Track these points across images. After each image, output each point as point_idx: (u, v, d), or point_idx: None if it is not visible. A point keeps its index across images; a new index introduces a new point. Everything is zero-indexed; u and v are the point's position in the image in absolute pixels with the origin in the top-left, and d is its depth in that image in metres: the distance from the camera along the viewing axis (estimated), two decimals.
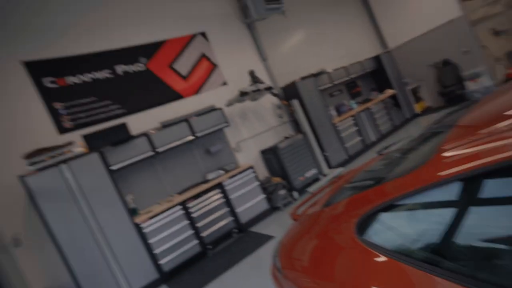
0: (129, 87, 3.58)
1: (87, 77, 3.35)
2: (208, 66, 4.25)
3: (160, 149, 3.31)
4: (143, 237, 2.93)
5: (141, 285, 2.89)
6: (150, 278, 2.95)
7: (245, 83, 4.02)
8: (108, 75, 3.47)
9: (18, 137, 2.94)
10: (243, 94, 3.82)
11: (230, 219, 3.52)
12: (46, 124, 3.09)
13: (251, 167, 3.79)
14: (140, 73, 3.69)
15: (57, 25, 3.27)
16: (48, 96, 3.13)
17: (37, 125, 3.05)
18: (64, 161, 2.78)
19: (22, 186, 2.61)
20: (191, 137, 3.57)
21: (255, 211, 3.72)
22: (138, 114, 3.59)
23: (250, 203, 3.69)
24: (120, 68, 3.55)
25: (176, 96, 3.91)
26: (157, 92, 3.76)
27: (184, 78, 4.02)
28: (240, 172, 3.68)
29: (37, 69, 3.11)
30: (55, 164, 2.74)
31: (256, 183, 3.79)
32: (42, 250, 2.88)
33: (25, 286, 2.69)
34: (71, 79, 3.27)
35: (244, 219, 3.60)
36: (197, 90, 4.09)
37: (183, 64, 4.04)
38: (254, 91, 3.88)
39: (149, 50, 3.81)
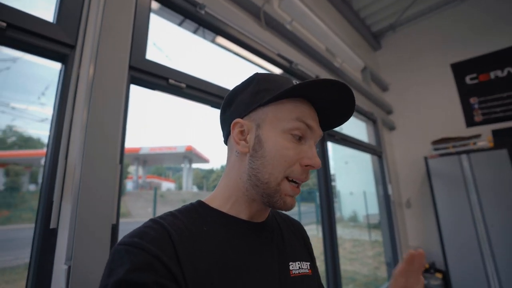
0: None
1: None
2: None
3: None
4: None
5: None
6: None
7: None
8: None
9: (431, 125, 3.56)
10: None
11: None
12: (457, 116, 3.39)
13: None
14: None
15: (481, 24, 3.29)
16: (465, 92, 3.37)
17: (449, 117, 3.45)
18: (465, 152, 2.92)
19: (424, 164, 3.22)
20: None
21: None
22: None
23: None
24: None
25: None
26: None
27: None
28: None
29: (461, 68, 3.44)
30: (456, 153, 2.99)
31: None
32: (423, 217, 3.43)
33: (406, 238, 3.42)
34: (495, 73, 3.19)
35: None
36: None
37: None
38: None
39: None
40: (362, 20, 3.72)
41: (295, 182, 0.44)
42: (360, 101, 2.87)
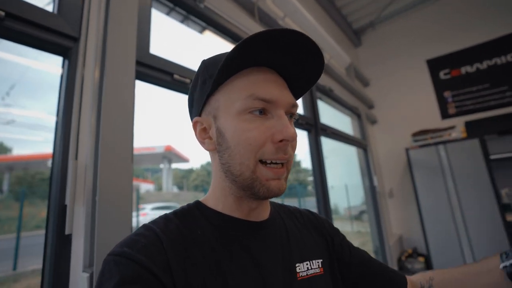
0: None
1: (484, 64, 3.30)
2: None
3: None
4: None
5: None
6: None
7: None
8: (511, 59, 3.12)
9: (411, 118, 3.76)
10: None
11: None
12: (433, 109, 3.60)
13: None
14: None
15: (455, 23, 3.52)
16: (440, 86, 3.58)
17: (426, 110, 3.66)
18: (442, 143, 3.11)
19: (405, 156, 3.39)
20: None
21: None
22: None
23: None
24: None
25: None
26: None
27: None
28: None
29: (436, 64, 3.66)
30: (434, 144, 3.18)
31: None
32: (406, 205, 3.63)
33: (390, 226, 3.60)
34: (466, 69, 3.42)
35: None
36: None
37: None
38: None
39: None
40: (344, 17, 3.82)
41: (275, 163, 0.39)
42: (345, 96, 2.95)
